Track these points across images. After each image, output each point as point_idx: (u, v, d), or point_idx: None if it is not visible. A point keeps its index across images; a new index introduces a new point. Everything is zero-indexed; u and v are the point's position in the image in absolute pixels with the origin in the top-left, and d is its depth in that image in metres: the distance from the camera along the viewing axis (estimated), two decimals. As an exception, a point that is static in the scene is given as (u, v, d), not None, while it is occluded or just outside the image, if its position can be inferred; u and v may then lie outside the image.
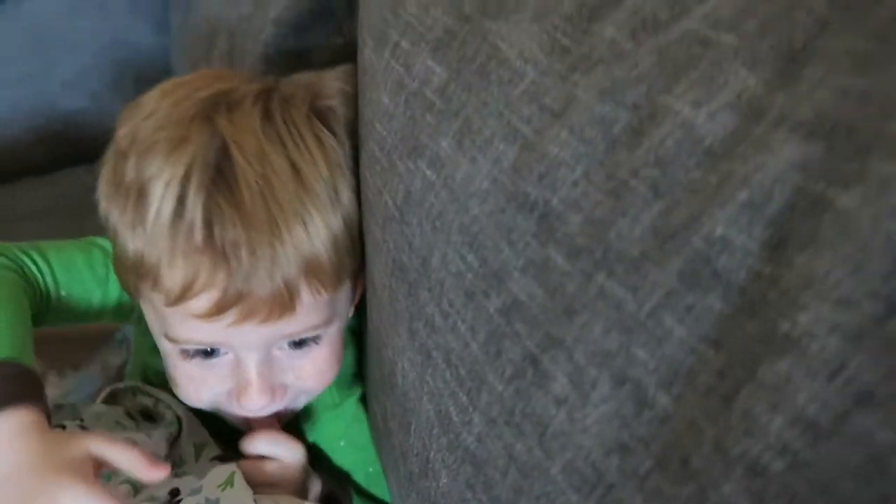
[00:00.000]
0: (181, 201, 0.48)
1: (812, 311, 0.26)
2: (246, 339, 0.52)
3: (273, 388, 0.55)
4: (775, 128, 0.29)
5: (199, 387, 0.56)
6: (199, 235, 0.48)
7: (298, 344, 0.55)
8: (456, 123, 0.42)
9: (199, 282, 0.48)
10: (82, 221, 1.05)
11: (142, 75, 1.16)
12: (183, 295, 0.49)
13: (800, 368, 0.26)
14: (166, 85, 0.56)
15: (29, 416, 0.46)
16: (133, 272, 0.52)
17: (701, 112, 0.31)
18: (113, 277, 0.59)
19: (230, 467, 0.54)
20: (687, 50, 0.33)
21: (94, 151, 0.58)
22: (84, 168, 1.25)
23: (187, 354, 0.54)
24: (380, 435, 0.60)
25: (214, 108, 0.51)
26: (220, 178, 0.48)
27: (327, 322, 0.55)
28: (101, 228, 0.58)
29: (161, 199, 0.48)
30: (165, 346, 0.56)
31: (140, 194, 0.50)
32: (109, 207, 0.54)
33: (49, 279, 0.59)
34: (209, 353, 0.54)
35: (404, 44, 0.47)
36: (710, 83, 0.31)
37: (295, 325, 0.53)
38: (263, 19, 0.76)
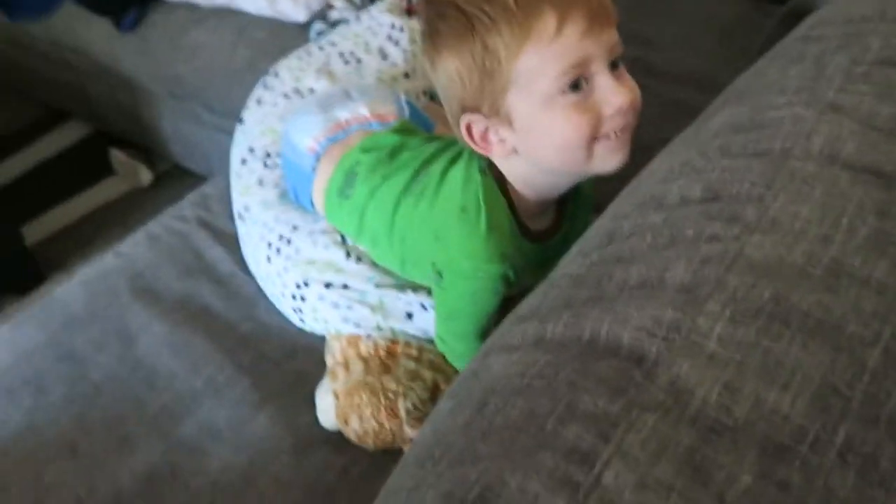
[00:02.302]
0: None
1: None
2: (594, 51, 0.75)
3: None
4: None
5: (581, 121, 0.76)
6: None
7: (615, 65, 0.77)
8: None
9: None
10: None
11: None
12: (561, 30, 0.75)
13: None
14: None
15: None
16: (530, 53, 0.75)
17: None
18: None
19: None
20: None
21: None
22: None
23: (564, 91, 0.76)
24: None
25: None
26: None
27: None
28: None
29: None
30: (540, 112, 0.77)
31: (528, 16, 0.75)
32: (496, 26, 0.75)
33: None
34: (575, 87, 0.76)
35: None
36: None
37: (614, 35, 0.77)
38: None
